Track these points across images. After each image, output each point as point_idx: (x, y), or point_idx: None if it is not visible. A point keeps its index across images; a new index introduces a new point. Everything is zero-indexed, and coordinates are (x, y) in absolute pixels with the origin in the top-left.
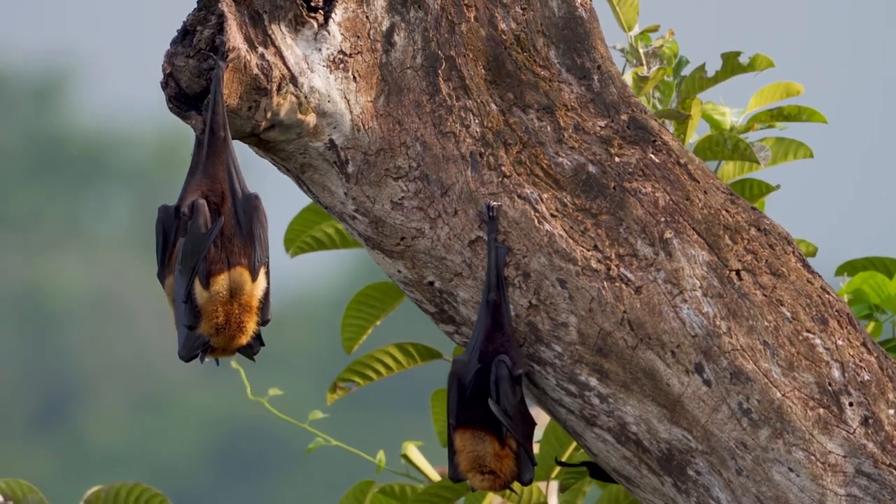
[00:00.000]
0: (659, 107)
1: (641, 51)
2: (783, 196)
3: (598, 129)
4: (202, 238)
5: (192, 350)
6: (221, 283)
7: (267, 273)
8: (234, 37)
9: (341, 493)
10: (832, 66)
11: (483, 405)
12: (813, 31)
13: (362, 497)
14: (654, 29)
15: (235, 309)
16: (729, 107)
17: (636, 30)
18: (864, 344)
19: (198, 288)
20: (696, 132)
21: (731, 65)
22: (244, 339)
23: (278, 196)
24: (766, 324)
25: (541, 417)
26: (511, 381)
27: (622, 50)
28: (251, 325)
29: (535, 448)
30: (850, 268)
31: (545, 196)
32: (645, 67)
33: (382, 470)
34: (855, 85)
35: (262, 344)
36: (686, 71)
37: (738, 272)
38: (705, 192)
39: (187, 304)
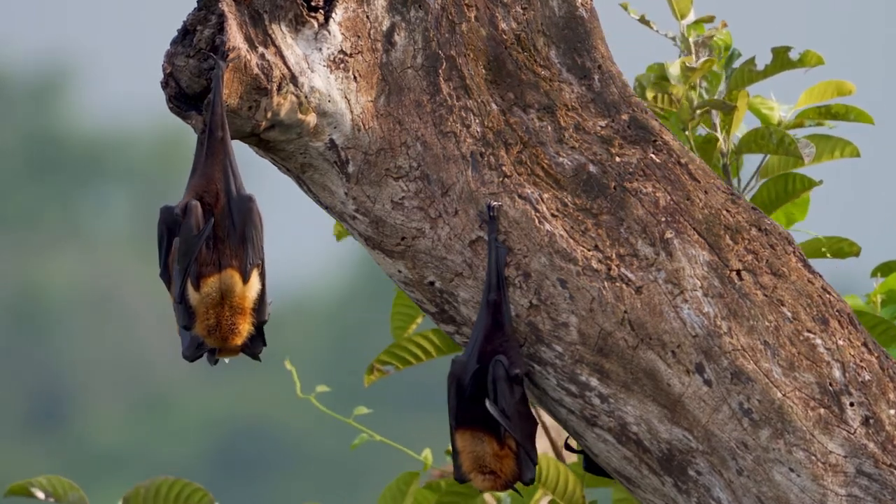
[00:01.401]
0: (705, 96)
1: (692, 40)
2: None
3: (599, 128)
4: (193, 240)
5: (196, 351)
6: (212, 284)
7: (261, 275)
8: (235, 36)
9: (341, 494)
10: (832, 66)
11: (482, 406)
12: (812, 31)
13: (405, 489)
14: (709, 20)
15: (226, 311)
16: (777, 102)
17: (690, 18)
18: (864, 344)
19: (189, 290)
20: (745, 124)
21: (781, 60)
22: (238, 341)
23: (278, 196)
24: (766, 324)
25: (542, 417)
26: (508, 381)
27: (673, 38)
28: (244, 327)
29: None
30: (885, 269)
31: (546, 196)
32: (693, 57)
33: (429, 468)
34: (854, 85)
35: (265, 344)
36: (737, 64)
37: (738, 272)
38: (706, 192)
39: (181, 306)
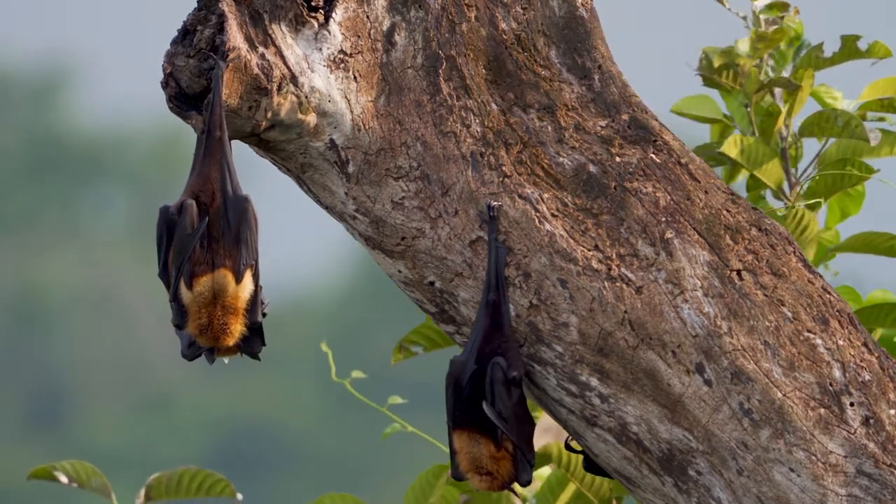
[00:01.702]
0: (771, 74)
1: (762, 18)
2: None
3: (599, 128)
4: (187, 239)
5: (195, 350)
6: (204, 284)
7: (255, 275)
8: (235, 36)
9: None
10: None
11: (479, 407)
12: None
13: (434, 481)
14: (783, 7)
15: (218, 311)
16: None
17: (763, 0)
18: (864, 344)
19: (182, 289)
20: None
21: (850, 48)
22: (229, 341)
23: (278, 196)
24: (766, 324)
25: (542, 418)
26: (506, 384)
27: (745, 18)
28: (236, 327)
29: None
30: None
31: (546, 196)
32: (763, 29)
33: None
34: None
35: (264, 343)
36: (804, 52)
37: (738, 272)
38: (706, 192)
39: (175, 304)
